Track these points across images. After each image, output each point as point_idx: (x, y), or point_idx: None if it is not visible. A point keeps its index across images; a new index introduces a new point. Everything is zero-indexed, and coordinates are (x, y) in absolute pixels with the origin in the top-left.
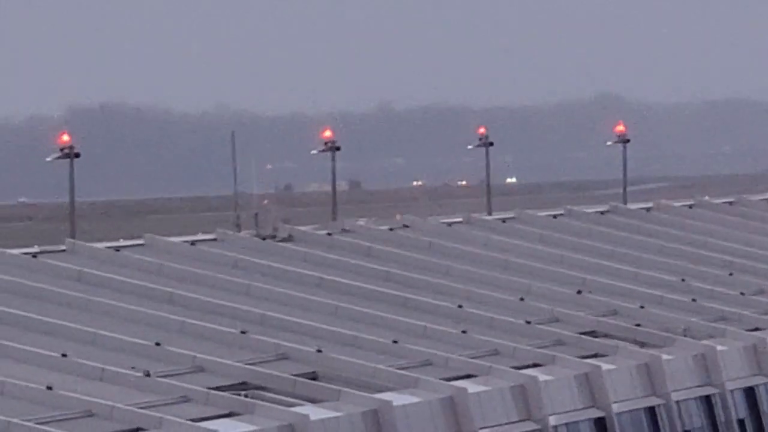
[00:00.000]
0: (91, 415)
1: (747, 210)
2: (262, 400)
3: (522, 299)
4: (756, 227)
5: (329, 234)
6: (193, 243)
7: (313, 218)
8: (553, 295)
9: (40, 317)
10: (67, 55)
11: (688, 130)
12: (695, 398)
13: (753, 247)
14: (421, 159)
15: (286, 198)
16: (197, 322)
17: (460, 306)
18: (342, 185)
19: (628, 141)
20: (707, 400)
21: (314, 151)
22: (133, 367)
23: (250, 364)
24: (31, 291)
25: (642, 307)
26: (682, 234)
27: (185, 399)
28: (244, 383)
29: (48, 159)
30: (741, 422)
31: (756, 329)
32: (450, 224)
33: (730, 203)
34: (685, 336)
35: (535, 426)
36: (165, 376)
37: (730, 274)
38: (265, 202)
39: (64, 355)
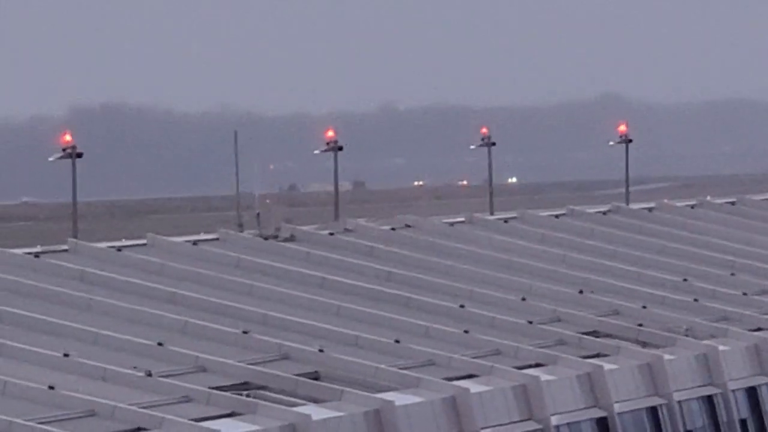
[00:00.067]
0: (92, 414)
1: (749, 210)
2: (264, 399)
3: (524, 299)
4: (758, 227)
5: (331, 234)
6: (195, 243)
7: (316, 218)
8: (555, 294)
9: (42, 317)
10: (68, 55)
11: (690, 130)
12: (697, 398)
13: (755, 247)
14: (422, 159)
15: (289, 198)
16: (199, 322)
17: (462, 306)
18: (344, 185)
19: (631, 141)
20: (709, 400)
21: (317, 151)
22: (135, 367)
23: (252, 364)
24: (33, 291)
25: (644, 307)
26: (684, 234)
27: (187, 399)
28: (246, 383)
29: (50, 159)
30: (743, 422)
31: (758, 329)
32: (452, 224)
33: (732, 203)
34: (687, 336)
35: (537, 426)
36: (167, 376)
37: (732, 274)
38: (268, 201)
39: (66, 355)
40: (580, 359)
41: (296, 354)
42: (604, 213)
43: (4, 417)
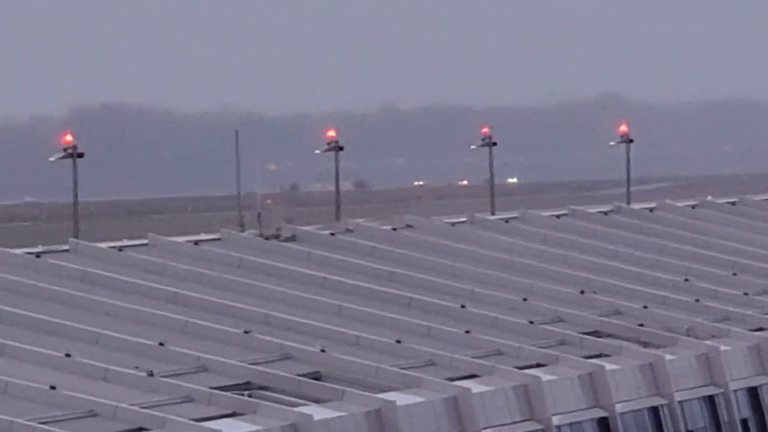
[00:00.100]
0: (94, 414)
1: (750, 210)
2: (266, 400)
3: (525, 299)
4: (759, 227)
5: (332, 234)
6: (196, 243)
7: (317, 218)
8: (557, 295)
9: (43, 317)
10: (69, 56)
11: (690, 130)
12: (698, 398)
13: (756, 247)
14: (422, 159)
15: (290, 198)
16: (200, 322)
17: (463, 306)
18: (345, 185)
19: (632, 141)
20: (710, 400)
21: (317, 151)
22: (136, 367)
23: (254, 363)
24: (34, 291)
25: (645, 307)
26: (685, 234)
27: (188, 399)
28: (247, 383)
29: (51, 159)
30: (744, 422)
31: (759, 329)
32: (453, 224)
33: (733, 203)
34: (688, 336)
35: (538, 426)
36: (168, 376)
37: (734, 274)
38: (269, 201)
39: (67, 355)
40: (581, 359)
41: (298, 354)
42: (606, 213)
43: (6, 417)
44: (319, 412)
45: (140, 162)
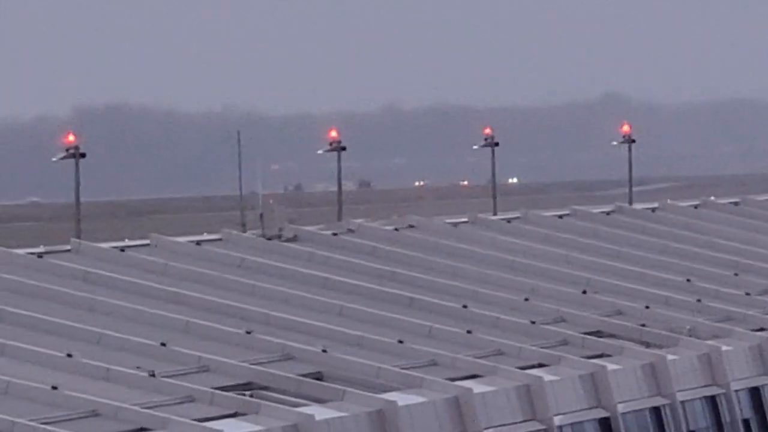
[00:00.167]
0: (96, 415)
1: (752, 210)
2: (267, 400)
3: (527, 299)
4: (761, 227)
5: (335, 234)
6: (198, 243)
7: (320, 218)
8: (559, 295)
9: (45, 317)
10: (71, 56)
11: (692, 130)
12: (700, 398)
13: (758, 247)
14: (423, 159)
15: (294, 198)
16: (202, 322)
17: (465, 306)
18: (348, 185)
19: (634, 141)
20: (712, 400)
21: (320, 151)
22: (138, 367)
23: (255, 364)
24: (36, 291)
25: (647, 307)
26: (687, 234)
27: (190, 399)
28: (249, 383)
29: (54, 159)
30: (746, 422)
31: (761, 329)
32: (455, 224)
33: (736, 203)
34: (690, 336)
35: (540, 426)
36: (170, 376)
37: (736, 275)
38: (271, 202)
39: (69, 355)
40: (583, 359)
41: (299, 354)
42: (608, 213)
43: (7, 417)
44: (320, 413)
45: (142, 162)
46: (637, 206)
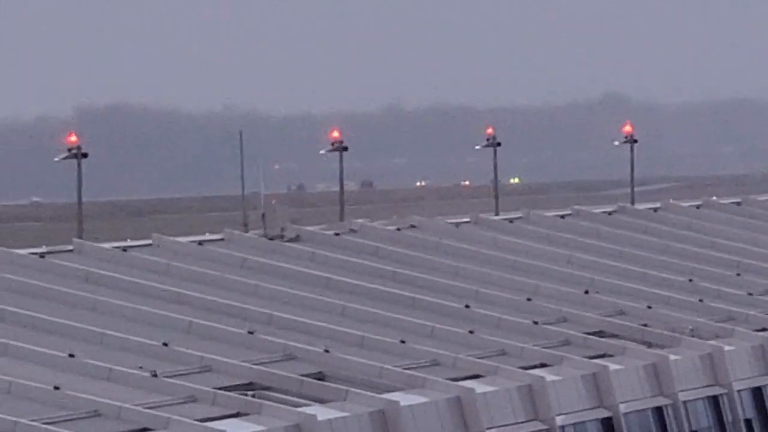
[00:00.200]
0: (98, 415)
1: (754, 210)
2: (269, 400)
3: (529, 299)
4: (763, 227)
5: (336, 234)
6: (200, 243)
7: (323, 218)
8: (561, 295)
9: (47, 317)
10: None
11: (693, 130)
12: (702, 398)
13: (760, 247)
14: (425, 159)
15: (297, 198)
16: (204, 322)
17: (467, 306)
18: (350, 185)
19: (636, 141)
20: (714, 400)
21: (322, 151)
22: (140, 367)
23: (258, 364)
24: (38, 291)
25: (649, 307)
26: (689, 234)
27: (192, 399)
28: (251, 383)
29: (56, 159)
30: (748, 422)
31: (763, 329)
32: (457, 224)
33: (737, 203)
34: (692, 336)
35: (542, 426)
36: (172, 376)
37: (738, 275)
38: (273, 202)
39: (71, 355)
40: (585, 359)
41: (301, 354)
42: (610, 213)
43: (10, 417)
44: (322, 413)
45: (144, 162)
46: (639, 206)
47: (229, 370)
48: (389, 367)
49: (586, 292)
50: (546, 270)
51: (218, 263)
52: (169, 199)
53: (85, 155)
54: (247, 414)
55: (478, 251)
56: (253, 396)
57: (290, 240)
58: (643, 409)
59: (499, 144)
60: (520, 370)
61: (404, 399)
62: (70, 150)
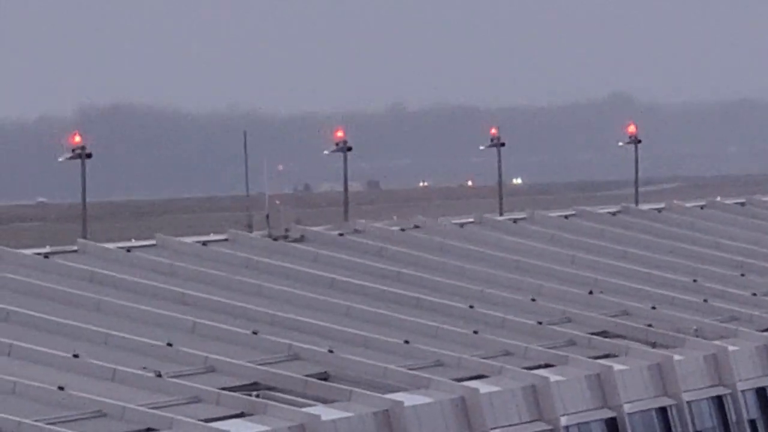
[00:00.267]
0: (102, 415)
1: (758, 210)
2: (274, 400)
3: (533, 299)
4: (767, 228)
5: (341, 234)
6: (204, 243)
7: (327, 219)
8: (565, 295)
9: (51, 317)
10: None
11: (697, 131)
12: (707, 399)
13: (764, 247)
14: (428, 159)
15: (302, 198)
16: (209, 323)
17: (471, 306)
18: (354, 186)
19: (640, 141)
20: (719, 400)
21: (326, 152)
22: (144, 368)
23: (262, 364)
24: (42, 291)
25: (653, 307)
26: (693, 234)
27: (196, 399)
28: (255, 383)
29: (60, 159)
30: (752, 423)
31: (767, 330)
32: (462, 225)
33: (742, 204)
34: (696, 336)
35: (546, 426)
36: (176, 377)
37: (742, 275)
38: (277, 202)
39: (75, 356)
40: (589, 360)
41: (306, 354)
42: (614, 214)
43: (14, 417)
44: (326, 413)
45: (148, 162)
46: (644, 207)
47: (233, 371)
48: (393, 367)
49: (591, 292)
50: (550, 270)
51: (222, 263)
52: (173, 199)
53: (89, 155)
54: (251, 414)
55: (483, 251)
56: (257, 396)
57: (294, 240)
58: (648, 410)
59: (503, 144)
60: (525, 371)
61: (408, 399)
62: (74, 150)
